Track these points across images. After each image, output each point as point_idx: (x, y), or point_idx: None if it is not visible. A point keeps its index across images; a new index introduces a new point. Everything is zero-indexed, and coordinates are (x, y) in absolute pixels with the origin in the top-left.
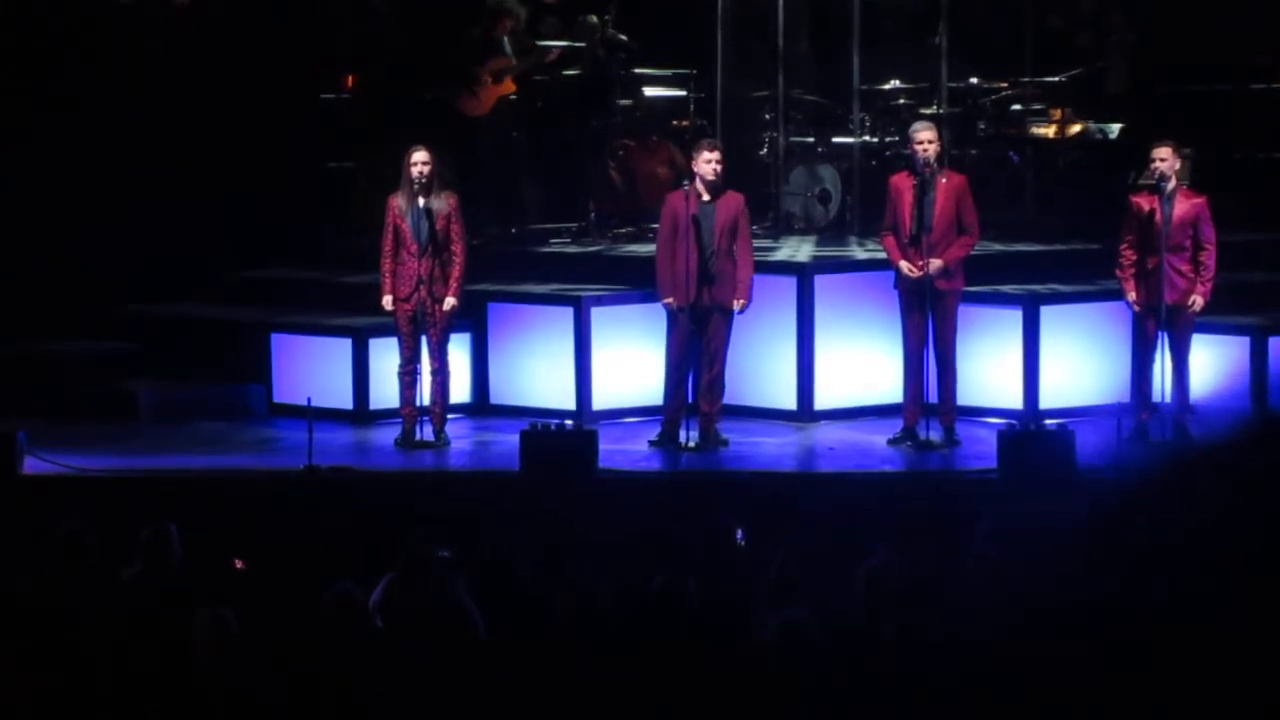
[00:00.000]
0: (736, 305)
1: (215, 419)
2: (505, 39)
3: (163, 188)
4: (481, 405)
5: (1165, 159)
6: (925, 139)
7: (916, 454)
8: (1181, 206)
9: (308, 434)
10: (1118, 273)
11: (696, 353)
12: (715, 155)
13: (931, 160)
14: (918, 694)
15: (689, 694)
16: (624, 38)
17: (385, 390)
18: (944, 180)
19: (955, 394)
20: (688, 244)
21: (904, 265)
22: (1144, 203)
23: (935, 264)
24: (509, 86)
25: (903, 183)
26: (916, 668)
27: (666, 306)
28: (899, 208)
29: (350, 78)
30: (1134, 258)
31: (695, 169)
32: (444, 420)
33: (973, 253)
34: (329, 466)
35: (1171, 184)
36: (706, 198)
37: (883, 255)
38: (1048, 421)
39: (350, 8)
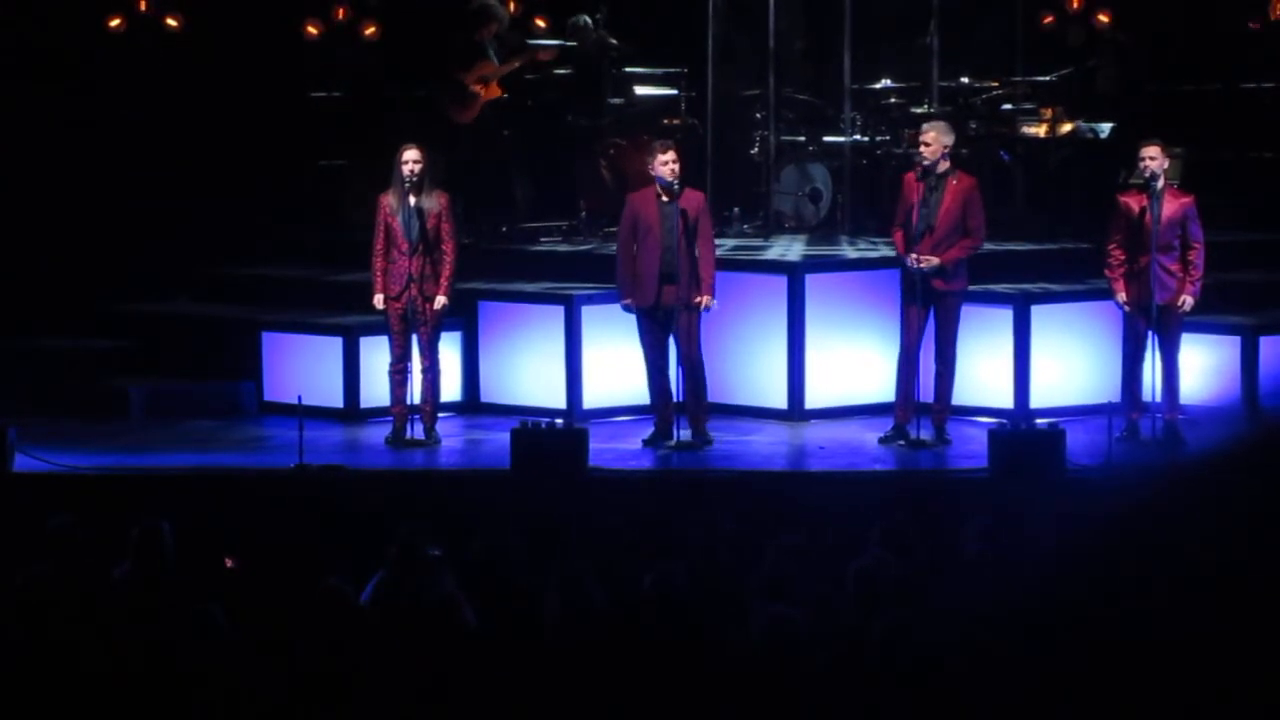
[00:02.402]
0: (704, 303)
1: (206, 417)
2: (489, 43)
3: (154, 186)
4: (472, 403)
5: (1154, 158)
6: (922, 140)
7: (907, 453)
8: (1170, 206)
9: (298, 432)
10: (1107, 273)
11: (677, 352)
12: (670, 156)
13: (927, 161)
14: (908, 692)
15: (680, 691)
16: (614, 40)
17: (376, 388)
18: (954, 181)
19: (951, 394)
20: (659, 245)
21: (910, 257)
22: (1132, 202)
23: (931, 260)
24: (495, 91)
25: (914, 180)
26: (907, 666)
27: (626, 308)
28: (908, 204)
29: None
30: (1122, 257)
31: (653, 171)
32: (435, 419)
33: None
34: (320, 465)
35: (1160, 183)
36: (666, 198)
37: (874, 254)
38: (1038, 421)
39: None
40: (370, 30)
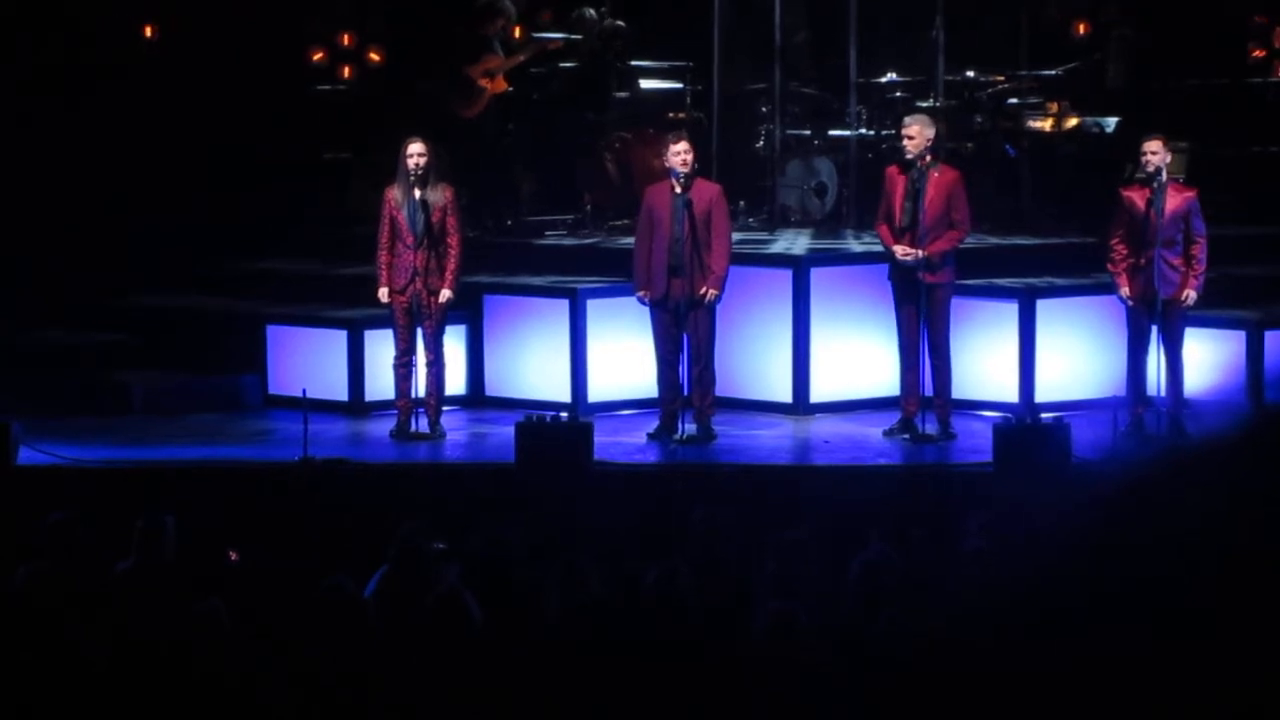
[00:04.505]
0: (709, 295)
1: (210, 410)
2: (495, 37)
3: (158, 178)
4: (477, 397)
5: (1157, 152)
6: (905, 133)
7: (912, 447)
8: (1172, 200)
9: (303, 426)
10: (1110, 267)
11: (686, 344)
12: (682, 146)
13: (912, 154)
14: (911, 686)
15: (683, 685)
16: (621, 23)
17: (381, 382)
18: (936, 174)
19: (950, 387)
20: (667, 237)
21: (898, 249)
22: (1135, 197)
23: (916, 254)
24: (501, 85)
25: (897, 174)
26: (909, 660)
27: (640, 299)
28: (891, 199)
29: (347, 68)
30: (1125, 252)
31: (666, 163)
32: (439, 412)
33: (967, 245)
34: (324, 458)
35: (1163, 178)
36: (679, 190)
37: (879, 248)
38: (1043, 415)
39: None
40: (376, 25)
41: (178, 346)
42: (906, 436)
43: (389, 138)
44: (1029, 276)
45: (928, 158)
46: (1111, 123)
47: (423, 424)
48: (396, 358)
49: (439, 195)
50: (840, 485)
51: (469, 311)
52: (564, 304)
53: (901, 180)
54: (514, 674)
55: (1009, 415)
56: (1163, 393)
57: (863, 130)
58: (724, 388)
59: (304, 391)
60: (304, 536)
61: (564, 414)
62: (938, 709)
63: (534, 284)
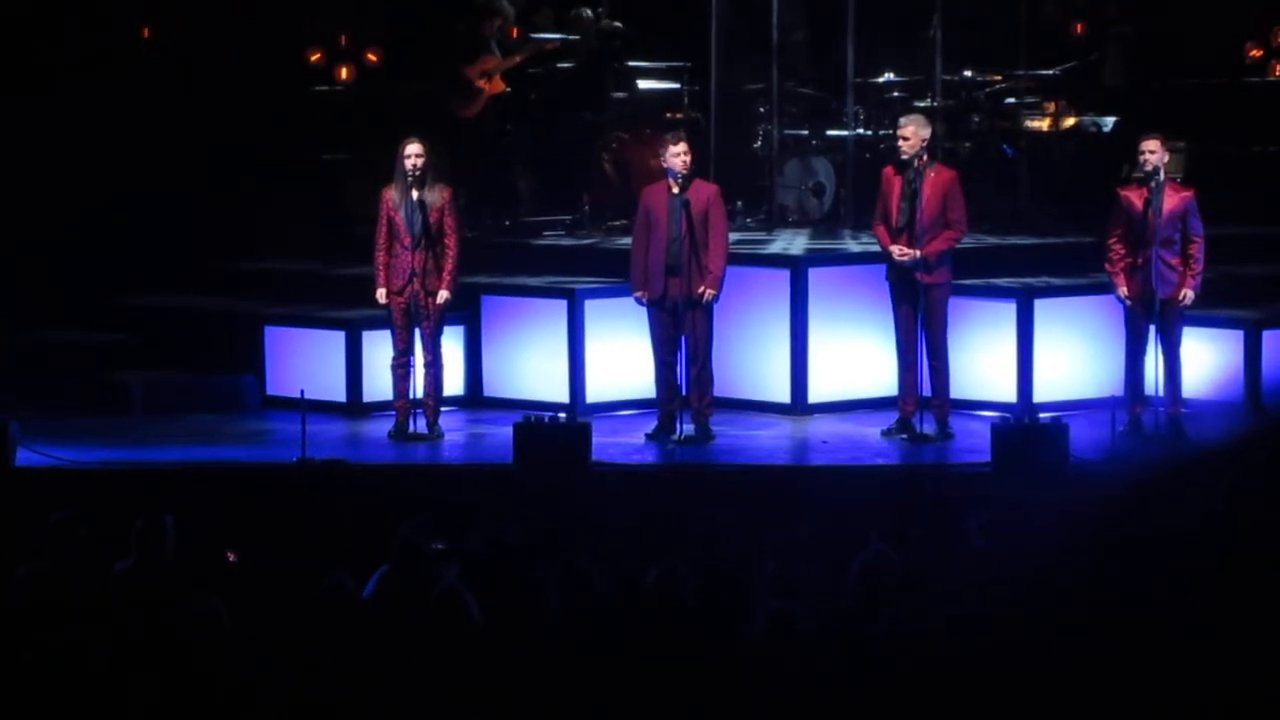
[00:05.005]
0: (706, 294)
1: (208, 411)
2: (493, 37)
3: (156, 178)
4: (475, 398)
5: (1154, 152)
6: (900, 134)
7: (910, 447)
8: (1170, 200)
9: (301, 426)
10: (1108, 267)
11: (684, 344)
12: (681, 148)
13: (907, 154)
14: (911, 686)
15: (683, 686)
16: (619, 25)
17: (379, 383)
18: (932, 174)
19: (948, 387)
20: (665, 237)
21: (895, 249)
22: (1133, 196)
23: (913, 254)
24: (499, 85)
25: (893, 174)
26: (909, 660)
27: (638, 300)
28: (888, 199)
29: (345, 69)
30: (1123, 252)
31: (665, 164)
32: (437, 413)
33: (965, 245)
34: (322, 459)
35: (1160, 177)
36: (676, 190)
37: (876, 249)
38: (1041, 415)
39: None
40: (374, 25)
41: (177, 346)
42: (905, 436)
43: (387, 138)
44: (1027, 276)
45: (924, 157)
46: (1109, 122)
47: (421, 424)
48: (394, 358)
49: (436, 196)
50: (839, 485)
51: (467, 312)
52: (562, 304)
53: (898, 180)
54: (514, 674)
55: (1007, 415)
56: (1161, 392)
57: (860, 130)
58: (722, 388)
59: (302, 392)
60: (303, 536)
61: (562, 414)
62: (938, 709)
63: (532, 284)
